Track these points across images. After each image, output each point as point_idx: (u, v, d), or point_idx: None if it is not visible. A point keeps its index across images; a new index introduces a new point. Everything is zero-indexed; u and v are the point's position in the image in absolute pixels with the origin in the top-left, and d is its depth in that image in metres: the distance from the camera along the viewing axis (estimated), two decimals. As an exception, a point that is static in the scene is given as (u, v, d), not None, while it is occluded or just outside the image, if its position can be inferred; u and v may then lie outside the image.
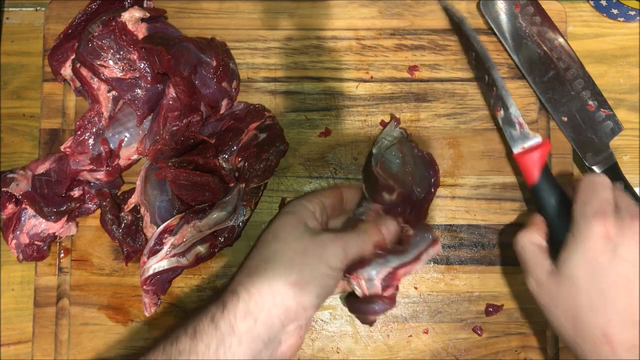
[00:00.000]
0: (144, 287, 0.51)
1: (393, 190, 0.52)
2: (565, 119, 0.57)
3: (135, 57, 0.52)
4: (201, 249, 0.52)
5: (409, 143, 0.55)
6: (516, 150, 0.52)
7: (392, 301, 0.50)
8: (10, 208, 0.54)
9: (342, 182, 0.57)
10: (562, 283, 0.45)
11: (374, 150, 0.54)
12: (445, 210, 0.56)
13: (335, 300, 0.55)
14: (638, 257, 0.44)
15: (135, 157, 0.55)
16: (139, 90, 0.53)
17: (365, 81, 0.58)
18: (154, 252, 0.51)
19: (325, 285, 0.45)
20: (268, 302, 0.43)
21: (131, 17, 0.52)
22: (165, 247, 0.51)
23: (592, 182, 0.48)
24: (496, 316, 0.55)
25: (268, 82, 0.58)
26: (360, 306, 0.49)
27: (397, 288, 0.51)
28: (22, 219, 0.53)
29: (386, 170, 0.53)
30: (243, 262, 0.48)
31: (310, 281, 0.44)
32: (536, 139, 0.51)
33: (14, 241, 0.53)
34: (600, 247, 0.44)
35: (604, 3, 0.60)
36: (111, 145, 0.54)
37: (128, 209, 0.54)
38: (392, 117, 0.57)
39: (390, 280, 0.50)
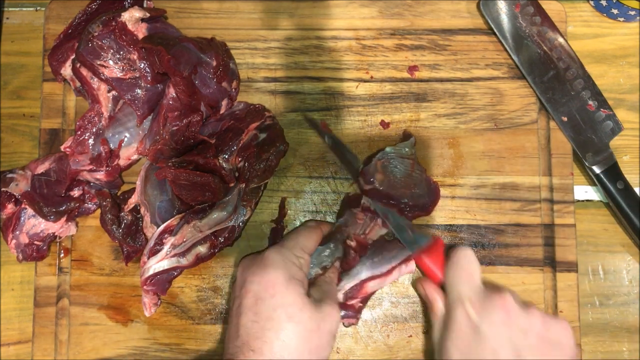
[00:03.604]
0: (144, 287, 0.51)
1: (381, 184, 0.53)
2: (565, 119, 0.57)
3: (135, 57, 0.52)
4: (201, 249, 0.52)
5: (420, 166, 0.55)
6: (415, 254, 0.52)
7: (355, 312, 0.52)
8: (10, 208, 0.54)
9: (341, 182, 0.57)
10: None
11: (387, 149, 0.54)
12: (445, 210, 0.56)
13: (335, 300, 0.55)
14: (500, 328, 0.45)
15: (135, 157, 0.55)
16: (139, 90, 0.53)
17: (365, 81, 0.58)
18: (154, 252, 0.51)
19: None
20: None
21: (131, 17, 0.52)
22: (166, 247, 0.51)
23: (457, 261, 0.49)
24: (496, 316, 0.55)
25: (268, 82, 0.58)
26: None
27: (363, 301, 0.53)
28: (22, 218, 0.53)
29: (386, 170, 0.53)
30: (236, 328, 0.46)
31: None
32: (426, 240, 0.52)
33: (14, 241, 0.53)
34: (465, 333, 0.46)
35: (604, 3, 0.60)
36: (111, 145, 0.54)
37: (128, 209, 0.54)
38: (409, 133, 0.57)
39: (356, 292, 0.51)
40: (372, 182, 0.53)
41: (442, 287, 0.51)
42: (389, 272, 0.53)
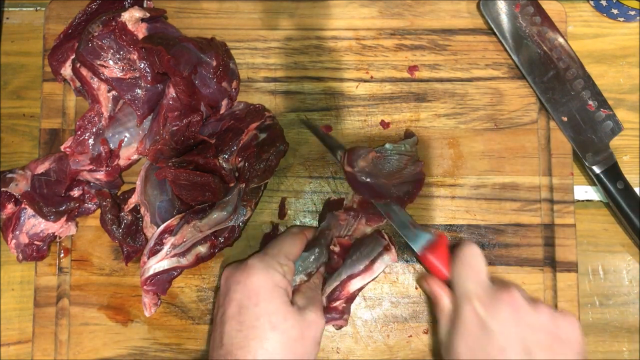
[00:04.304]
0: (144, 287, 0.51)
1: (369, 176, 0.53)
2: (565, 119, 0.57)
3: (135, 57, 0.52)
4: (201, 249, 0.52)
5: (419, 162, 0.55)
6: (419, 251, 0.52)
7: (341, 314, 0.52)
8: (10, 208, 0.54)
9: (341, 182, 0.57)
10: None
11: (387, 145, 0.55)
12: (445, 210, 0.56)
13: (335, 300, 0.55)
14: (509, 324, 0.45)
15: (135, 157, 0.55)
16: (139, 90, 0.53)
17: (365, 81, 0.58)
18: (154, 252, 0.51)
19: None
20: None
21: (131, 17, 0.52)
22: (166, 247, 0.51)
23: (463, 257, 0.49)
24: (496, 316, 0.55)
25: (268, 82, 0.58)
26: None
27: (347, 302, 0.53)
28: (22, 218, 0.53)
29: (377, 162, 0.54)
30: (220, 337, 0.46)
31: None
32: (429, 236, 0.52)
33: (14, 241, 0.53)
34: (472, 330, 0.46)
35: (604, 3, 0.60)
36: (111, 145, 0.54)
37: (128, 209, 0.54)
38: (411, 132, 0.57)
39: (338, 294, 0.51)
40: (354, 165, 0.53)
41: (448, 283, 0.51)
42: (368, 267, 0.52)
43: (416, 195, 0.55)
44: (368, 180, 0.53)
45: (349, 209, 0.54)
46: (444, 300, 0.50)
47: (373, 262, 0.53)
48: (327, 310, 0.52)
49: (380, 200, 0.53)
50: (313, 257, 0.51)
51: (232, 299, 0.46)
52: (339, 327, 0.54)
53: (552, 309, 0.47)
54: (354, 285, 0.52)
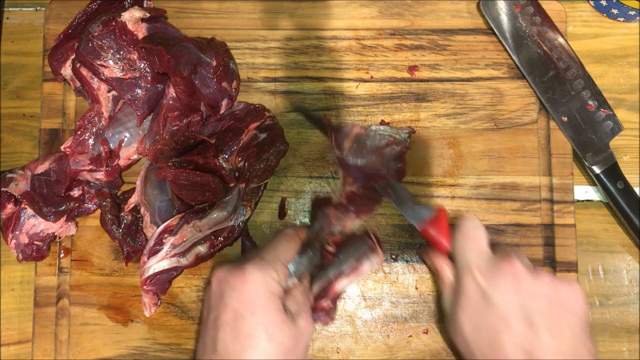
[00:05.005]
0: (144, 287, 0.51)
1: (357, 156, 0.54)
2: (565, 119, 0.57)
3: (135, 57, 0.52)
4: (201, 248, 0.52)
5: (404, 147, 0.56)
6: (420, 226, 0.52)
7: (327, 312, 0.52)
8: (10, 208, 0.54)
9: (339, 182, 0.57)
10: (456, 333, 0.49)
11: (372, 126, 0.55)
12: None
13: (335, 300, 0.55)
14: (510, 294, 0.45)
15: (135, 157, 0.55)
16: (139, 90, 0.53)
17: (365, 81, 0.58)
18: (154, 252, 0.51)
19: None
20: None
21: (131, 17, 0.52)
22: (165, 247, 0.51)
23: (463, 229, 0.49)
24: (496, 316, 0.55)
25: (268, 82, 0.58)
26: None
27: (334, 301, 0.53)
28: (22, 218, 0.53)
29: (363, 138, 0.54)
30: (213, 341, 0.45)
31: None
32: (429, 211, 0.52)
33: (14, 241, 0.53)
34: (474, 301, 0.46)
35: (604, 3, 0.60)
36: (111, 145, 0.54)
37: (128, 209, 0.54)
38: (412, 130, 0.57)
39: (325, 293, 0.51)
40: (342, 148, 0.53)
41: (450, 257, 0.51)
42: (356, 268, 0.53)
43: (405, 170, 0.55)
44: (358, 161, 0.53)
45: (338, 205, 0.54)
46: (446, 272, 0.50)
47: (359, 262, 0.53)
48: (314, 308, 0.52)
49: (378, 182, 0.53)
50: (306, 260, 0.50)
51: (227, 304, 0.45)
52: (325, 324, 0.54)
53: (553, 277, 0.47)
54: (340, 284, 0.52)
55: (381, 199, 0.55)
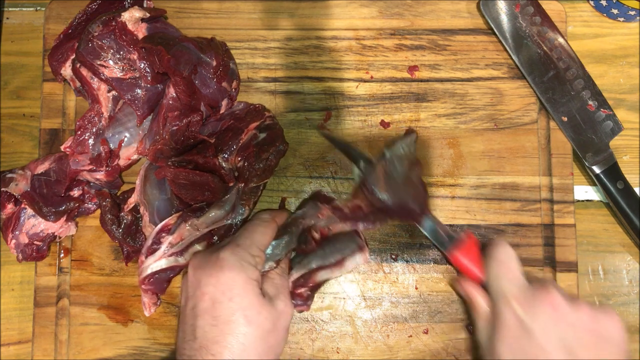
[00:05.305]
0: (143, 286, 0.51)
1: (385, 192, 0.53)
2: (565, 119, 0.57)
3: (135, 57, 0.52)
4: (199, 247, 0.52)
5: (418, 166, 0.55)
6: (450, 254, 0.52)
7: (305, 300, 0.52)
8: (10, 208, 0.54)
9: (341, 182, 0.57)
10: None
11: (385, 152, 0.54)
12: (445, 210, 0.56)
13: (335, 300, 0.55)
14: (549, 324, 0.45)
15: (135, 157, 0.55)
16: (139, 90, 0.53)
17: (365, 81, 0.58)
18: (151, 252, 0.51)
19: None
20: None
21: (131, 17, 0.52)
22: (163, 246, 0.51)
23: (496, 257, 0.49)
24: (496, 316, 0.55)
25: (268, 82, 0.58)
26: None
27: (312, 290, 0.53)
28: (22, 218, 0.53)
29: (387, 174, 0.54)
30: (192, 329, 0.45)
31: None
32: (458, 238, 0.52)
33: (14, 241, 0.53)
34: (513, 332, 0.46)
35: (604, 3, 0.60)
36: (111, 145, 0.54)
37: (128, 209, 0.54)
38: (411, 130, 0.57)
39: (305, 281, 0.51)
40: (374, 192, 0.53)
41: (481, 284, 0.50)
42: (340, 262, 0.53)
43: (428, 193, 0.55)
44: (392, 201, 0.53)
45: (337, 209, 0.54)
46: (480, 301, 0.50)
47: (345, 258, 0.53)
48: (291, 295, 0.51)
49: (418, 218, 0.53)
50: (283, 245, 0.50)
51: (204, 292, 0.45)
52: (300, 311, 0.54)
53: (592, 307, 0.46)
54: (321, 276, 0.52)
55: (386, 220, 0.55)
